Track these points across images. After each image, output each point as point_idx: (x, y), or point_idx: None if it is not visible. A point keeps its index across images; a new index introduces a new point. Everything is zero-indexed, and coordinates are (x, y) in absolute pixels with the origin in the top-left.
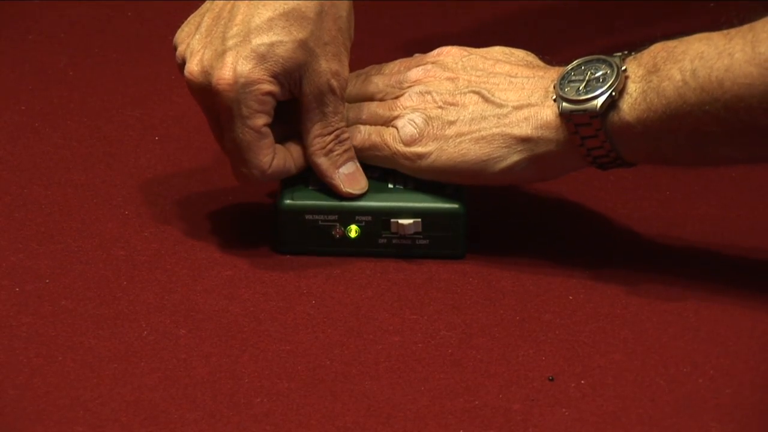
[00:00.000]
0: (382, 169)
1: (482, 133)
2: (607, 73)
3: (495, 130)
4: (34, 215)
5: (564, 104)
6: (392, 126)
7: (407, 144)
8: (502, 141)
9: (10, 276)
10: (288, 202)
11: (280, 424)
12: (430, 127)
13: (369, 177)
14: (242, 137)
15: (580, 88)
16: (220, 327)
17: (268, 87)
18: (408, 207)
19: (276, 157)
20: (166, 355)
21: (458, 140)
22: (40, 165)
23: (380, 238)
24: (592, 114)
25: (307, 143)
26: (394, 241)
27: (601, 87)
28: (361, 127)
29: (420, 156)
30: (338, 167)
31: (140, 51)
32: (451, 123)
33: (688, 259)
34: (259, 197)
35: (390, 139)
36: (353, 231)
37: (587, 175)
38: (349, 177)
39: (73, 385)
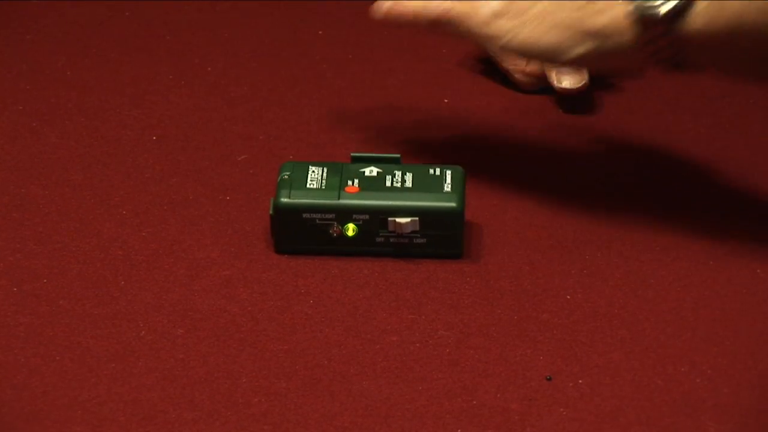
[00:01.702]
0: (381, 167)
1: (558, 21)
2: None
3: (569, 20)
4: (31, 215)
5: (636, 4)
6: (475, 1)
7: (487, 21)
8: (574, 31)
9: (8, 276)
10: (285, 200)
11: (278, 423)
12: (511, 8)
13: (367, 176)
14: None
15: None
16: (217, 327)
17: None
18: (405, 206)
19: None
20: (164, 354)
21: (535, 23)
22: (37, 165)
23: (378, 237)
24: (661, 17)
25: None
26: (391, 240)
27: None
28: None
29: (497, 35)
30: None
31: (138, 51)
32: (531, 6)
33: (685, 258)
34: (257, 196)
35: (471, 13)
36: (351, 230)
37: (586, 175)
38: (571, 76)
39: (71, 384)
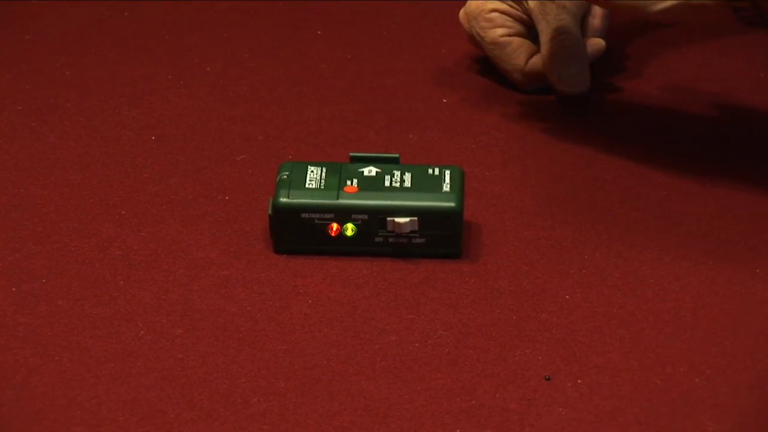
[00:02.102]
0: (380, 167)
1: None
2: None
3: None
4: (30, 215)
5: None
6: None
7: None
8: None
9: (7, 276)
10: (284, 200)
11: (277, 423)
12: None
13: (366, 176)
14: (489, 52)
15: None
16: (216, 326)
17: (491, 5)
18: (404, 205)
19: (532, 60)
20: (162, 354)
21: None
22: (36, 165)
23: (376, 237)
24: None
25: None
26: (390, 240)
27: None
28: None
29: None
30: (561, 69)
31: (137, 51)
32: None
33: (684, 258)
34: (256, 196)
35: None
36: (349, 229)
37: (584, 175)
38: (572, 77)
39: (70, 384)
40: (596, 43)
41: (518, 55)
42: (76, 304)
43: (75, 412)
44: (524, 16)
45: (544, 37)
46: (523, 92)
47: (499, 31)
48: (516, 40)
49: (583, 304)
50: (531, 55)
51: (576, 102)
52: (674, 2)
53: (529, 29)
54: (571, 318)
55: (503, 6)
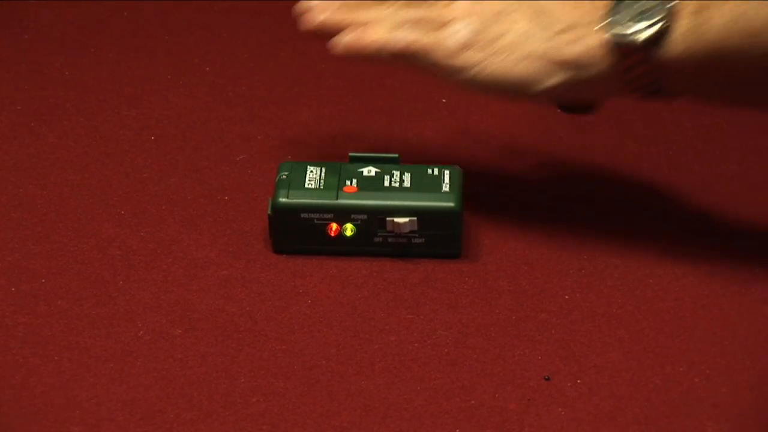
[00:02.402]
0: (379, 167)
1: (529, 50)
2: (656, 6)
3: (541, 50)
4: (30, 215)
5: (612, 32)
6: (440, 33)
7: (454, 53)
8: (547, 62)
9: (6, 276)
10: (283, 200)
11: (277, 423)
12: (479, 38)
13: (365, 176)
14: None
15: (629, 19)
16: (216, 327)
17: None
18: (404, 206)
19: None
20: (162, 354)
21: (504, 55)
22: (36, 165)
23: (376, 237)
24: (638, 45)
25: None
26: (389, 240)
27: (650, 19)
28: (409, 32)
29: (464, 67)
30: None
31: (137, 51)
32: (500, 37)
33: (684, 258)
34: (255, 196)
35: (437, 46)
36: (349, 230)
37: (583, 175)
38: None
39: (69, 384)
40: None
41: None
42: (76, 304)
43: (74, 412)
44: None
45: None
46: None
47: None
48: None
49: (582, 304)
50: None
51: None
52: (562, 78)
53: None
54: (570, 318)
55: None
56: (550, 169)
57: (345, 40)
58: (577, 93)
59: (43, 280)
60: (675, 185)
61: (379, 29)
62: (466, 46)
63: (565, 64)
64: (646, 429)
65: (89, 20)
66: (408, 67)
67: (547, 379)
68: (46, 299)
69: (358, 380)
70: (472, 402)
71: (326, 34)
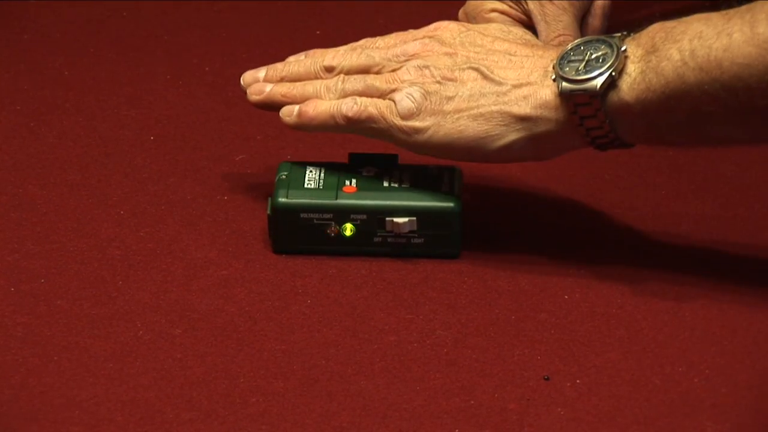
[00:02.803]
0: (377, 167)
1: (481, 110)
2: (606, 53)
3: (494, 108)
4: (29, 215)
5: (564, 84)
6: (389, 99)
7: (404, 118)
8: (500, 119)
9: (5, 276)
10: (282, 200)
11: (276, 423)
12: (428, 101)
13: (364, 176)
14: None
15: (580, 68)
16: (215, 327)
17: (490, 5)
18: (403, 206)
19: None
20: (161, 354)
21: (456, 116)
22: (35, 165)
23: (375, 237)
24: (592, 94)
25: None
26: (389, 240)
27: (601, 67)
28: (358, 99)
29: (417, 131)
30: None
31: (136, 51)
32: (450, 99)
33: (683, 258)
34: (255, 196)
35: (387, 111)
36: (348, 230)
37: (583, 174)
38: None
39: (69, 384)
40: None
41: None
42: (75, 304)
43: (74, 412)
44: (523, 17)
45: (543, 38)
46: None
47: None
48: None
49: (581, 304)
50: None
51: None
52: (516, 135)
53: (528, 28)
54: (569, 318)
55: (502, 6)
56: (550, 169)
57: (294, 111)
58: (535, 149)
59: (43, 280)
60: (674, 185)
61: (326, 100)
62: (415, 113)
63: (519, 120)
64: (646, 429)
65: (89, 20)
66: (360, 135)
67: (547, 379)
68: (46, 299)
69: (357, 380)
70: (472, 402)
71: (274, 106)
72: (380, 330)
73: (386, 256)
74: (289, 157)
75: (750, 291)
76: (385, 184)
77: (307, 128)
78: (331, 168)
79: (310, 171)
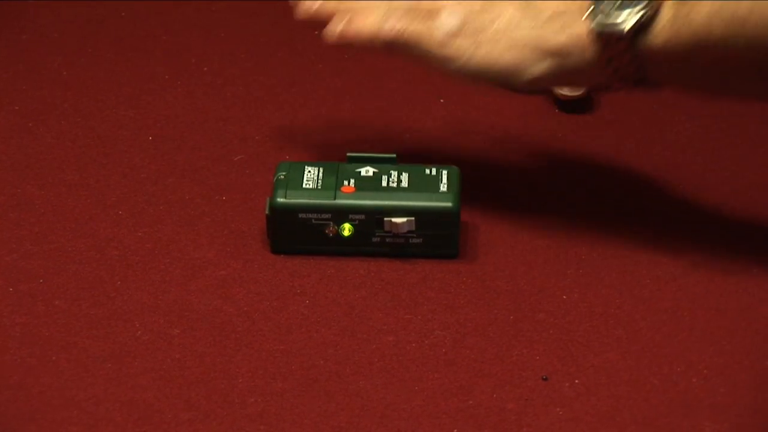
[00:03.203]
0: (377, 167)
1: (516, 39)
2: None
3: (529, 39)
4: (27, 215)
5: (597, 20)
6: (431, 21)
7: (443, 41)
8: (534, 49)
9: (4, 276)
10: (281, 200)
11: (275, 423)
12: (468, 27)
13: (363, 176)
14: None
15: (615, 6)
16: (213, 327)
17: None
18: (401, 206)
19: None
20: (160, 355)
21: (492, 44)
22: (33, 165)
23: (374, 237)
24: (623, 33)
25: None
26: (387, 240)
27: (635, 7)
28: (401, 20)
29: (454, 56)
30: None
31: (134, 51)
32: (489, 25)
33: (682, 258)
34: (253, 196)
35: (427, 34)
36: (347, 230)
37: (582, 175)
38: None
39: (67, 385)
40: None
41: None
42: (74, 304)
43: (72, 412)
44: None
45: None
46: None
47: None
48: None
49: (580, 304)
50: None
51: (573, 102)
52: (548, 65)
53: None
54: (568, 318)
55: None
56: (548, 169)
57: (337, 28)
58: (563, 81)
59: (41, 281)
60: (673, 185)
61: (371, 17)
62: (454, 35)
63: (551, 53)
64: (644, 429)
65: (87, 20)
66: (400, 56)
67: (545, 379)
68: (44, 299)
69: (356, 380)
70: (470, 402)
71: (320, 22)
72: (379, 330)
73: (385, 256)
74: (287, 157)
75: (748, 291)
76: (384, 184)
77: (349, 46)
78: (329, 168)
79: (309, 171)
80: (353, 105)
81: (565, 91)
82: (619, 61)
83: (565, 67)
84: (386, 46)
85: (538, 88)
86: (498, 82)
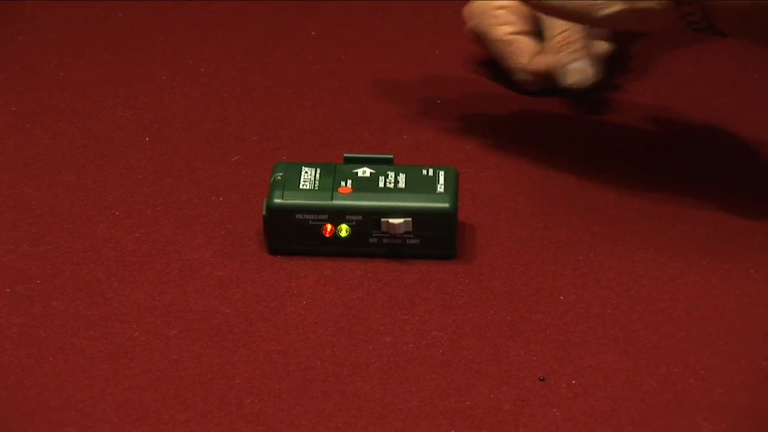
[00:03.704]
0: (374, 168)
1: None
2: None
3: None
4: (24, 216)
5: None
6: None
7: None
8: None
9: (0, 277)
10: (278, 201)
11: (272, 424)
12: None
13: (360, 176)
14: (493, 49)
15: None
16: (211, 327)
17: (497, 2)
18: (398, 206)
19: (536, 59)
20: (157, 355)
21: None
22: (30, 166)
23: (371, 238)
24: None
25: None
26: (384, 241)
27: None
28: None
29: None
30: (565, 63)
31: (131, 52)
32: None
33: (679, 259)
34: (250, 197)
35: None
36: (344, 230)
37: (580, 175)
38: (574, 71)
39: (64, 385)
40: (602, 46)
41: (522, 53)
42: (71, 305)
43: (69, 413)
44: (530, 13)
45: (550, 32)
46: (520, 92)
47: (506, 28)
48: (521, 38)
49: (577, 304)
50: (534, 55)
51: (572, 102)
52: (620, 7)
53: (534, 26)
54: (565, 319)
55: (510, 3)
56: (546, 170)
57: None
58: (633, 24)
59: (38, 281)
60: (671, 186)
61: None
62: None
63: None
64: (641, 429)
65: (84, 21)
66: None
67: (542, 380)
68: (41, 300)
69: (353, 381)
70: (467, 403)
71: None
72: (376, 331)
73: (382, 256)
74: (284, 157)
75: (745, 292)
76: (381, 184)
77: None
78: (326, 169)
79: (306, 172)
80: (350, 105)
81: (569, 81)
82: (687, 8)
83: (637, 8)
84: None
85: (613, 26)
86: (574, 18)
